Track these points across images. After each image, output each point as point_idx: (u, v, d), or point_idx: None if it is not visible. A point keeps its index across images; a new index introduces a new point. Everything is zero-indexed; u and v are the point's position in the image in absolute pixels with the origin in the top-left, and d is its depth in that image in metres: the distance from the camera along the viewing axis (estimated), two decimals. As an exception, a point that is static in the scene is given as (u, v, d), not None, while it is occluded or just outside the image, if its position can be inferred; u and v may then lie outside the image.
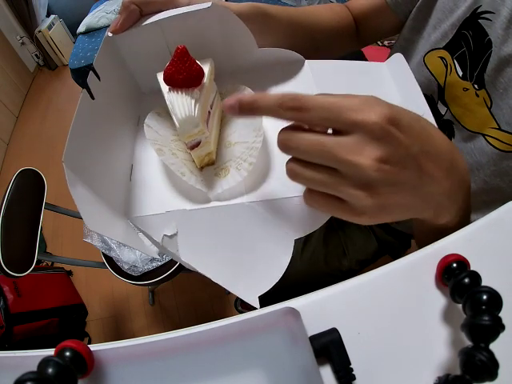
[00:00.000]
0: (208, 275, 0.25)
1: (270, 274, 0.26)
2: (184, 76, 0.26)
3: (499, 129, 0.32)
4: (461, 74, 0.35)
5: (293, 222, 0.27)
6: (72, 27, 2.71)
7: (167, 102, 0.27)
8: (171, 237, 0.28)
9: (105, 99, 0.30)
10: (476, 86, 0.34)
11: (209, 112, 0.29)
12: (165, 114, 0.33)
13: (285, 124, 0.23)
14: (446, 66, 0.37)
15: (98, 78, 0.29)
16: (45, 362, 0.17)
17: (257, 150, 0.28)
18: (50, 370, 0.17)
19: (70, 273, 1.46)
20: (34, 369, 0.17)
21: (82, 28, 2.07)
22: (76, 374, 0.18)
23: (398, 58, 0.34)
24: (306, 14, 0.41)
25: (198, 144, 0.28)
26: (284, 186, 0.29)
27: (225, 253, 0.28)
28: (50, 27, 2.60)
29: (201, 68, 0.27)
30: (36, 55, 2.77)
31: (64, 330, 1.23)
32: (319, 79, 0.34)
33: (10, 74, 2.43)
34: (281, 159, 0.30)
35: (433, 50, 0.38)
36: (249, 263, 0.27)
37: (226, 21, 0.30)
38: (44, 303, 1.19)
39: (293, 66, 0.36)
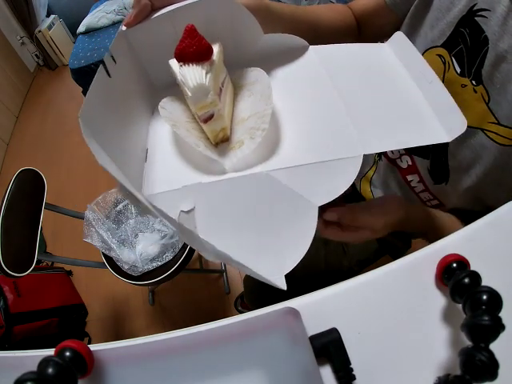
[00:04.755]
0: (228, 253, 0.23)
1: (295, 249, 0.25)
2: (194, 49, 0.27)
3: (498, 123, 0.33)
4: (459, 70, 0.36)
5: (314, 189, 0.26)
6: (72, 27, 2.71)
7: (179, 78, 0.28)
8: (188, 212, 0.27)
9: (120, 83, 0.30)
10: (474, 82, 0.34)
11: (220, 89, 0.30)
12: (179, 100, 0.34)
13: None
14: (444, 64, 0.37)
15: (114, 61, 0.29)
16: (45, 361, 0.17)
17: (268, 116, 0.28)
18: (50, 370, 0.17)
19: (69, 273, 1.46)
20: (34, 369, 0.17)
21: (82, 28, 2.07)
22: (76, 373, 0.18)
23: (399, 36, 0.34)
24: (308, 11, 0.41)
25: (211, 117, 0.28)
26: (299, 154, 0.28)
27: (245, 228, 0.27)
28: (50, 27, 2.60)
29: (210, 44, 0.28)
30: (36, 55, 2.77)
31: (64, 329, 1.23)
32: (326, 62, 0.35)
33: (10, 74, 2.43)
34: (292, 128, 0.31)
35: (431, 48, 0.38)
36: (271, 238, 0.26)
37: (232, 9, 0.31)
38: (44, 303, 1.19)
39: (298, 51, 0.37)
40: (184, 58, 0.28)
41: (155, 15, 0.31)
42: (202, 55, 0.28)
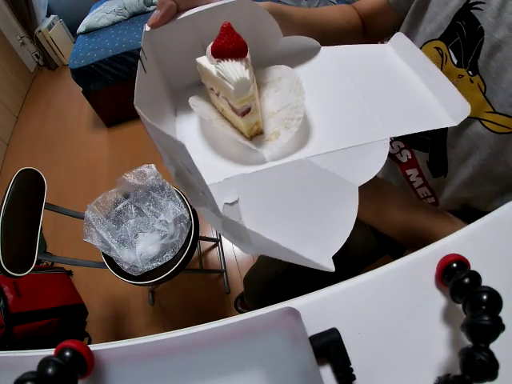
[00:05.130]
0: (275, 240, 0.24)
1: (340, 229, 0.26)
2: (233, 46, 0.29)
3: (494, 112, 0.34)
4: (456, 62, 0.37)
5: (351, 171, 0.28)
6: (72, 27, 2.71)
7: (216, 73, 0.29)
8: (232, 204, 0.27)
9: (151, 80, 0.31)
10: (470, 72, 0.36)
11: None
12: (204, 100, 0.35)
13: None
14: (442, 56, 0.39)
15: (146, 58, 0.30)
16: (45, 361, 0.17)
17: (302, 107, 0.30)
18: (50, 370, 0.17)
19: (69, 273, 1.46)
20: (34, 369, 0.17)
21: (82, 28, 2.07)
22: (76, 373, 0.18)
23: (399, 36, 0.37)
24: (317, 14, 0.43)
25: (248, 110, 0.30)
26: (331, 141, 0.30)
27: (290, 215, 0.27)
28: (50, 27, 2.60)
29: (245, 41, 0.29)
30: (36, 55, 2.77)
31: (64, 329, 1.23)
32: (339, 61, 0.37)
33: (10, 74, 2.43)
34: (319, 118, 0.32)
35: (429, 41, 0.40)
36: (316, 222, 0.27)
37: (254, 13, 0.33)
38: (44, 303, 1.19)
39: (311, 51, 0.39)
40: (223, 54, 0.29)
41: (180, 17, 0.32)
42: (240, 51, 0.29)
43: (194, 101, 0.33)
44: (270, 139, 0.31)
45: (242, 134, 0.32)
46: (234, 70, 0.28)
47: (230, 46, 0.28)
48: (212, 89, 0.33)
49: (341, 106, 0.33)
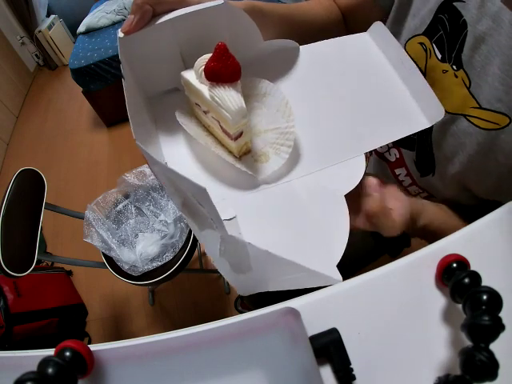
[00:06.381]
0: (277, 254, 0.24)
1: (337, 238, 0.27)
2: (230, 71, 0.28)
3: (480, 107, 0.33)
4: (440, 56, 0.36)
5: (338, 183, 0.30)
6: (72, 27, 2.71)
7: (210, 97, 0.29)
8: (230, 220, 0.28)
9: (129, 89, 0.30)
10: (454, 66, 0.35)
11: None
12: (186, 113, 0.34)
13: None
14: (426, 51, 0.38)
15: (123, 68, 0.30)
16: (45, 361, 0.17)
17: (293, 134, 0.30)
18: (50, 370, 0.17)
19: (69, 273, 1.46)
20: (34, 369, 0.17)
21: (82, 28, 2.07)
22: (76, 373, 0.18)
23: (377, 25, 0.38)
24: (296, 10, 0.42)
25: (241, 134, 0.30)
26: (315, 161, 0.32)
27: (287, 230, 0.28)
28: (50, 27, 2.60)
29: (239, 64, 0.29)
30: (36, 55, 2.77)
31: (64, 329, 1.23)
32: (317, 62, 0.38)
33: (10, 74, 2.43)
34: (302, 137, 0.33)
35: (413, 36, 0.39)
36: (313, 235, 0.28)
37: (234, 17, 0.31)
38: (44, 303, 1.19)
39: (289, 52, 0.38)
40: (219, 78, 0.28)
41: (156, 22, 0.30)
42: (236, 76, 0.28)
43: (181, 118, 0.32)
44: (259, 160, 0.32)
45: (230, 152, 0.32)
46: (232, 98, 0.27)
47: (227, 71, 0.28)
48: (198, 104, 0.32)
49: (321, 124, 0.34)
